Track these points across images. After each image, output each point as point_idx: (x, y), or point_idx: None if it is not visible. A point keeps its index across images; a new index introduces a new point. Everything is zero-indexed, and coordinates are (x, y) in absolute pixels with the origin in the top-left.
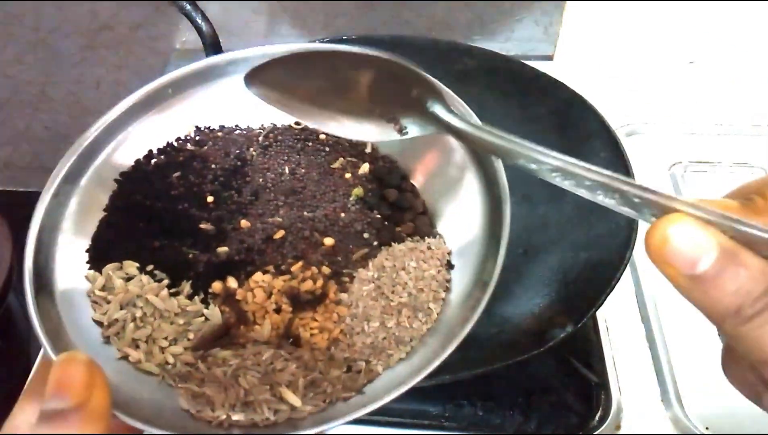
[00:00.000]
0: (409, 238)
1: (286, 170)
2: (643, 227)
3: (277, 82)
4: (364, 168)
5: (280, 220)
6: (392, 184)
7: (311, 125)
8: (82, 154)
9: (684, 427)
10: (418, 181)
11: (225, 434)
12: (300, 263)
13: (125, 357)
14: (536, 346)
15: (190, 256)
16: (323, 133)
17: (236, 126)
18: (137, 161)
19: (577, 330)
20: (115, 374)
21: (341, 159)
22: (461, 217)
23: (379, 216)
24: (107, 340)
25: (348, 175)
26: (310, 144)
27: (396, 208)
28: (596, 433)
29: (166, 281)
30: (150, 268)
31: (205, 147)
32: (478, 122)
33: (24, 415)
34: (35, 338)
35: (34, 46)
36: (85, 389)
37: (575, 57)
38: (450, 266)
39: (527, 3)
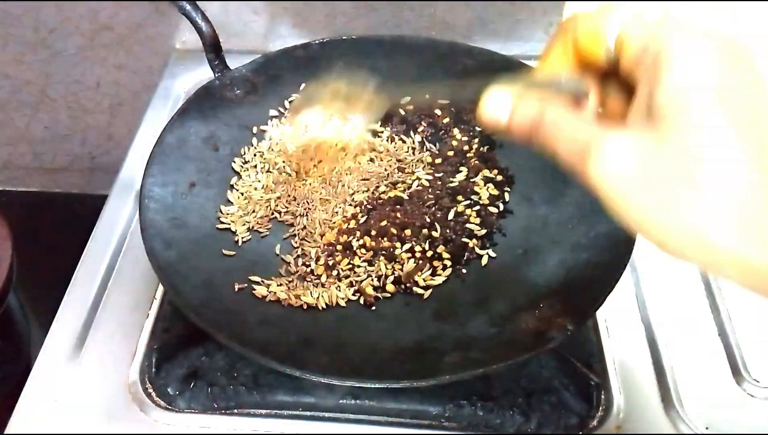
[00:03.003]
0: None
1: None
2: None
3: None
4: None
5: None
6: None
7: None
8: None
9: (684, 427)
10: None
11: None
12: None
13: None
14: (536, 346)
15: None
16: None
17: None
18: None
19: (577, 330)
20: None
21: None
22: None
23: None
24: None
25: None
26: None
27: None
28: (596, 433)
29: None
30: None
31: None
32: None
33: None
34: (35, 338)
35: (34, 46)
36: None
37: None
38: None
39: (527, 3)
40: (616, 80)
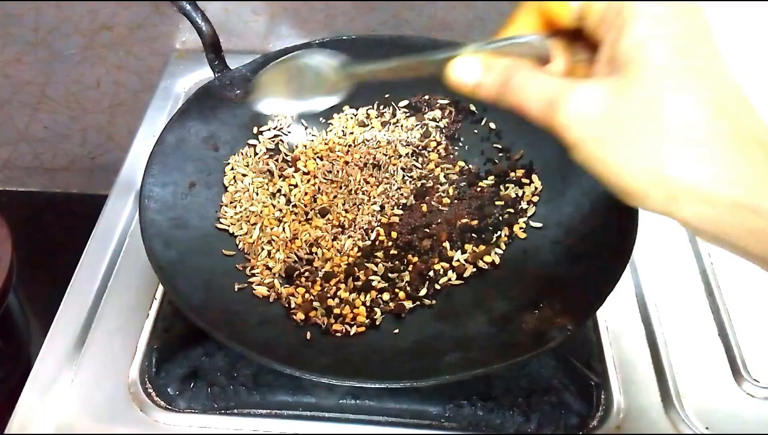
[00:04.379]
0: None
1: None
2: (643, 227)
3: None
4: None
5: None
6: None
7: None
8: None
9: (684, 427)
10: None
11: None
12: None
13: None
14: (536, 346)
15: None
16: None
17: None
18: None
19: (577, 330)
20: None
21: None
22: None
23: None
24: None
25: None
26: None
27: None
28: (596, 433)
29: None
30: None
31: None
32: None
33: None
34: (35, 338)
35: (34, 46)
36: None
37: None
38: None
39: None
40: (580, 45)
